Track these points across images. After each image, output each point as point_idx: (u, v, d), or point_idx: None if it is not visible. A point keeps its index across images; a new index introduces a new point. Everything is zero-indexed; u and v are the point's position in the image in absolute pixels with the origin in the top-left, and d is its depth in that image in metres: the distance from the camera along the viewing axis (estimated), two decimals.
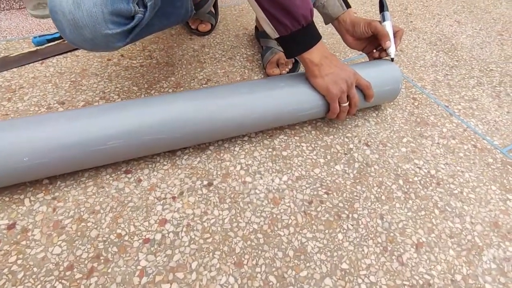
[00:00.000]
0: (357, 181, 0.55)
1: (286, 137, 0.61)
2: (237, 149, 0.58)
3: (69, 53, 0.75)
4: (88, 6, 0.41)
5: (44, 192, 0.48)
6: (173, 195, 0.50)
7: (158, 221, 0.47)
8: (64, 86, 0.67)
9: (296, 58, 0.54)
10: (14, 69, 0.69)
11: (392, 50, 0.61)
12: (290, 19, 0.47)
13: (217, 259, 0.43)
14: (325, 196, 0.52)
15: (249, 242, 0.45)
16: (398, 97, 0.72)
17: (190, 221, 0.47)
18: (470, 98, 0.75)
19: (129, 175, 0.52)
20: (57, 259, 0.42)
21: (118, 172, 0.52)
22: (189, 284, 0.41)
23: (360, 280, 0.43)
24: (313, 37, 0.52)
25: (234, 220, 0.48)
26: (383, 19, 0.61)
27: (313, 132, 0.62)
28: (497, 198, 0.54)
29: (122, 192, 0.49)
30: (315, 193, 0.52)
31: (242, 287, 0.41)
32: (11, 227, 0.44)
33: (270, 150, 0.58)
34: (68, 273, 0.40)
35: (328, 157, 0.58)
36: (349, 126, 0.64)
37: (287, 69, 0.72)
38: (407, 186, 0.55)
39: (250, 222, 0.48)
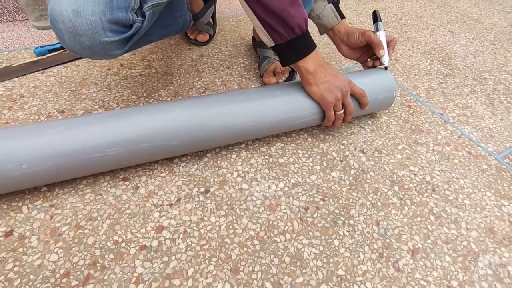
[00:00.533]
0: (353, 187, 0.55)
1: (282, 144, 0.61)
2: (234, 156, 0.58)
3: (69, 63, 0.77)
4: (87, 14, 0.42)
5: (42, 199, 0.49)
6: (170, 202, 0.50)
7: (155, 227, 0.47)
8: (64, 95, 0.68)
9: (292, 66, 0.55)
10: (15, 79, 0.71)
11: (385, 59, 0.62)
12: (285, 28, 0.48)
13: (214, 265, 0.43)
14: (321, 202, 0.52)
15: (245, 249, 0.45)
16: (393, 105, 0.73)
17: (186, 228, 0.47)
18: (464, 106, 0.76)
19: (127, 182, 0.52)
20: (54, 266, 0.42)
21: (116, 179, 0.52)
22: None
23: (356, 287, 0.43)
24: (308, 46, 0.53)
25: (230, 226, 0.48)
26: (377, 29, 0.63)
27: (309, 139, 0.63)
28: (492, 204, 0.55)
29: (119, 199, 0.50)
30: (311, 199, 0.53)
31: None
32: (8, 234, 0.44)
33: (266, 157, 0.59)
34: (64, 280, 0.40)
35: (324, 164, 0.59)
36: (345, 133, 0.65)
37: (283, 78, 0.73)
38: (403, 193, 0.55)
39: (246, 228, 0.48)
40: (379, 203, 0.53)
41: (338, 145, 0.63)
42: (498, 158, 0.63)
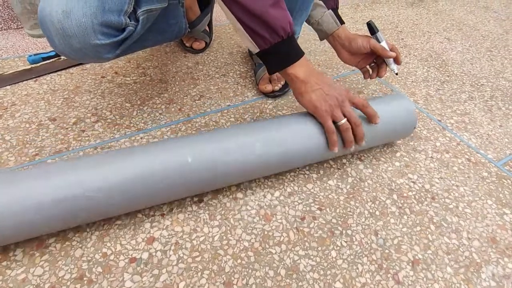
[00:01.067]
0: (351, 196, 0.54)
1: None
2: None
3: (63, 71, 0.76)
4: (78, 16, 0.41)
5: None
6: (162, 212, 0.49)
7: (145, 239, 0.45)
8: (57, 103, 0.67)
9: (281, 74, 0.52)
10: (8, 87, 0.70)
11: (395, 66, 0.62)
12: (268, 31, 0.45)
13: (206, 278, 0.42)
14: (318, 212, 0.51)
15: (239, 261, 0.44)
16: None
17: (178, 239, 0.46)
18: (462, 112, 0.75)
19: None
20: (38, 281, 0.40)
21: None
22: None
23: None
24: (295, 51, 0.49)
25: (224, 237, 0.46)
26: (378, 41, 0.61)
27: None
28: (493, 213, 0.53)
29: None
30: (308, 209, 0.51)
31: None
32: None
33: None
34: None
35: (321, 172, 0.57)
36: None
37: (279, 85, 0.73)
38: (402, 201, 0.54)
39: (240, 239, 0.46)
40: (377, 212, 0.52)
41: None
42: (498, 165, 0.62)
